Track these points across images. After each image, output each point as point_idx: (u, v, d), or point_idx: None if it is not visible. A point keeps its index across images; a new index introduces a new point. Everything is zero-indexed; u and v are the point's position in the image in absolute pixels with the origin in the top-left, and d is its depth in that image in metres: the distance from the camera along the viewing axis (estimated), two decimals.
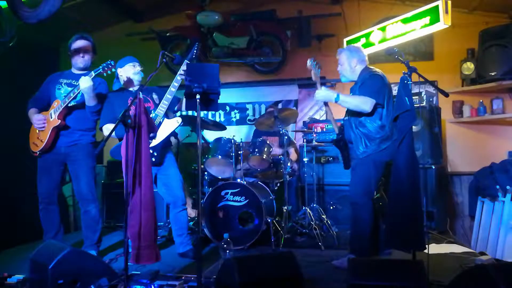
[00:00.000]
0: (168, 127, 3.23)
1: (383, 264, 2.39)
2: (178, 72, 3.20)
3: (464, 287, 2.06)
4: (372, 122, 3.00)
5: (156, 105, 3.29)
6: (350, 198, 3.20)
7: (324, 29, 5.37)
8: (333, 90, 3.12)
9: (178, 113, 3.46)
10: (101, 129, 3.29)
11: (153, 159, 3.12)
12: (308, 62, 3.21)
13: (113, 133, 2.85)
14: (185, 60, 3.19)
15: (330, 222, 4.08)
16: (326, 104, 3.25)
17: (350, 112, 3.13)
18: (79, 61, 3.38)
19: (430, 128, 4.36)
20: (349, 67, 3.16)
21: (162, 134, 3.22)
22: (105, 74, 3.11)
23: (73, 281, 2.40)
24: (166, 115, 3.26)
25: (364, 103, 2.95)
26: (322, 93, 3.12)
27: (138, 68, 3.36)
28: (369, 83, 3.02)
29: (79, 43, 3.37)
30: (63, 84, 3.37)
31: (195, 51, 3.23)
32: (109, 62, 3.08)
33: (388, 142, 2.99)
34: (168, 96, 3.20)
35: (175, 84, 3.20)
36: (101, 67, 3.08)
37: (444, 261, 3.15)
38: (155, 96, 3.40)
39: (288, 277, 2.25)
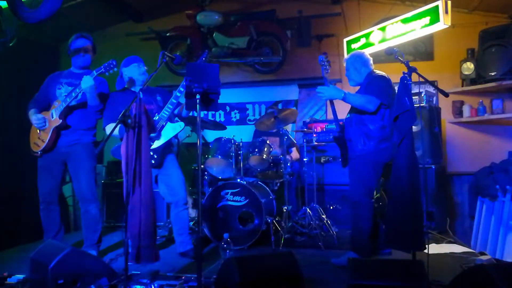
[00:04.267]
0: (170, 131, 3.24)
1: (383, 264, 2.39)
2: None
3: (464, 287, 2.07)
4: (374, 122, 3.03)
5: (159, 108, 3.30)
6: (350, 198, 3.20)
7: (324, 29, 5.37)
8: (339, 88, 3.12)
9: (184, 112, 3.47)
10: (104, 129, 3.29)
11: (153, 161, 3.12)
12: (320, 58, 3.23)
13: (115, 133, 2.85)
14: None
15: (330, 222, 4.08)
16: (331, 102, 3.26)
17: (354, 110, 3.16)
18: (79, 60, 3.39)
19: (430, 128, 4.36)
20: (355, 71, 3.21)
21: (164, 137, 3.23)
22: (107, 74, 3.11)
23: (73, 281, 2.41)
24: (169, 119, 3.26)
25: (369, 102, 2.98)
26: (330, 90, 3.10)
27: (143, 69, 3.36)
28: (375, 83, 3.06)
29: (79, 43, 3.37)
30: (63, 84, 3.37)
31: (203, 60, 3.22)
32: (111, 62, 3.08)
33: (387, 143, 3.01)
34: (173, 101, 3.21)
35: (181, 89, 3.18)
36: (102, 66, 3.08)
37: (444, 261, 3.15)
38: (158, 98, 3.40)
39: (288, 277, 2.25)
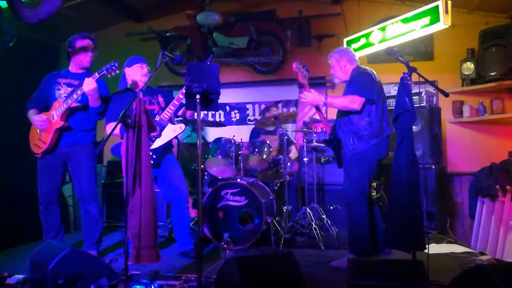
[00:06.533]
0: (171, 132, 3.25)
1: (383, 264, 2.39)
2: None
3: (464, 287, 2.07)
4: (360, 119, 3.02)
5: (161, 108, 3.30)
6: (344, 199, 3.18)
7: (324, 29, 5.37)
8: (320, 94, 3.13)
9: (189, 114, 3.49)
10: (105, 129, 3.30)
11: (152, 162, 3.12)
12: (294, 65, 3.18)
13: (115, 132, 2.85)
14: None
15: (330, 222, 4.08)
16: (317, 108, 3.26)
17: (341, 112, 3.17)
18: (86, 60, 3.37)
19: (430, 128, 4.36)
20: (339, 68, 3.21)
21: (164, 138, 3.24)
22: (109, 76, 3.09)
23: (73, 281, 2.41)
24: (170, 120, 3.27)
25: (352, 102, 2.99)
26: (310, 96, 3.14)
27: (146, 70, 3.36)
28: (356, 80, 3.07)
29: (85, 42, 3.36)
30: (62, 84, 3.36)
31: (208, 63, 3.22)
32: (113, 64, 3.06)
33: (377, 139, 3.00)
34: (175, 103, 3.21)
35: (184, 91, 3.18)
36: (104, 68, 3.06)
37: (444, 261, 3.15)
38: (160, 99, 3.40)
39: (288, 277, 2.25)
